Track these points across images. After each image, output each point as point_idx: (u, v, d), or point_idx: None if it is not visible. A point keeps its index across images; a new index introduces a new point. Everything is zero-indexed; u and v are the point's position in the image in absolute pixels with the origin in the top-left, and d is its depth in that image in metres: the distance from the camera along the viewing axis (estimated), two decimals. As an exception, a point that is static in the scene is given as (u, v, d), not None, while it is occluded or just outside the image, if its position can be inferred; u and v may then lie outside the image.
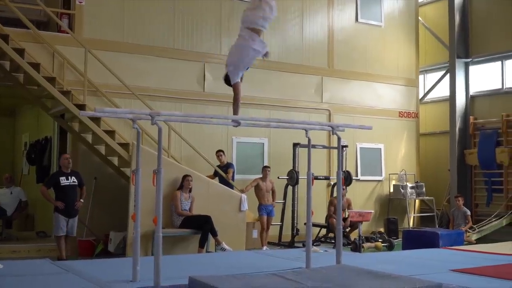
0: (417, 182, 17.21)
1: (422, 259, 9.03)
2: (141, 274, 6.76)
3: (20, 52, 11.20)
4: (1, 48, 10.82)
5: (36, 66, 11.30)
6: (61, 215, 10.79)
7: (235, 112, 7.28)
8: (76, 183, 11.08)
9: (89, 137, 12.04)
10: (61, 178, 10.97)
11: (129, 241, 10.85)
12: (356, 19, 16.82)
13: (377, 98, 17.04)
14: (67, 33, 12.23)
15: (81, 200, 11.15)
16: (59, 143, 13.60)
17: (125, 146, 11.76)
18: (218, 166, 13.06)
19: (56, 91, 11.26)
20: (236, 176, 13.42)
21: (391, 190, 16.98)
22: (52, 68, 12.12)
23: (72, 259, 10.39)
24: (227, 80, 7.31)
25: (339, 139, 8.03)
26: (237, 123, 7.30)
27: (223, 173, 12.83)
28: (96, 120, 11.48)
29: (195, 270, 7.18)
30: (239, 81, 7.27)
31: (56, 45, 12.19)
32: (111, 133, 11.80)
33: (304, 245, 11.39)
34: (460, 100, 17.32)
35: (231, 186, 12.74)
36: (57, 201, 10.85)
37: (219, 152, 13.22)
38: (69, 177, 11.01)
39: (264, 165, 13.95)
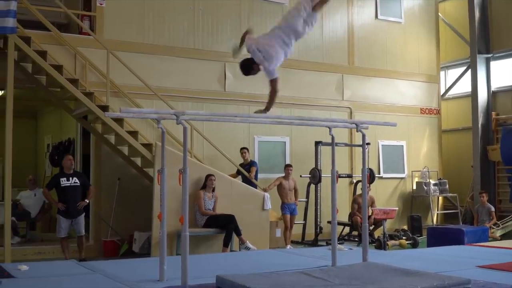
0: (440, 179, 17.09)
1: (448, 256, 8.94)
2: (168, 274, 6.78)
3: (42, 54, 11.25)
4: (24, 50, 10.86)
5: (58, 68, 11.34)
6: (62, 216, 10.84)
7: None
8: (78, 184, 11.03)
9: (112, 138, 12.09)
10: (61, 179, 10.98)
11: (154, 241, 10.90)
12: (376, 16, 16.72)
13: (398, 95, 16.93)
14: (88, 34, 12.28)
15: (86, 201, 11.08)
16: (82, 145, 13.68)
17: (148, 146, 11.77)
18: (241, 164, 13.05)
19: (79, 92, 11.30)
20: (259, 175, 13.39)
21: (414, 187, 16.85)
22: (74, 70, 12.18)
23: (96, 260, 10.44)
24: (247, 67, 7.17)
25: (363, 136, 7.93)
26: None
27: (246, 172, 12.82)
28: (119, 121, 11.52)
29: (220, 269, 7.16)
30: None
31: (78, 47, 12.25)
32: (134, 133, 11.84)
33: (327, 243, 11.39)
34: (482, 96, 17.17)
35: (254, 185, 12.73)
36: (58, 203, 10.89)
37: (243, 150, 13.20)
38: (70, 178, 10.99)
39: (286, 163, 13.93)
